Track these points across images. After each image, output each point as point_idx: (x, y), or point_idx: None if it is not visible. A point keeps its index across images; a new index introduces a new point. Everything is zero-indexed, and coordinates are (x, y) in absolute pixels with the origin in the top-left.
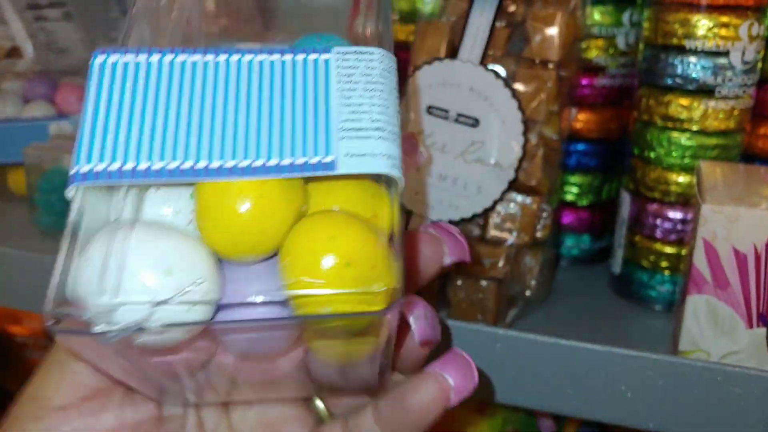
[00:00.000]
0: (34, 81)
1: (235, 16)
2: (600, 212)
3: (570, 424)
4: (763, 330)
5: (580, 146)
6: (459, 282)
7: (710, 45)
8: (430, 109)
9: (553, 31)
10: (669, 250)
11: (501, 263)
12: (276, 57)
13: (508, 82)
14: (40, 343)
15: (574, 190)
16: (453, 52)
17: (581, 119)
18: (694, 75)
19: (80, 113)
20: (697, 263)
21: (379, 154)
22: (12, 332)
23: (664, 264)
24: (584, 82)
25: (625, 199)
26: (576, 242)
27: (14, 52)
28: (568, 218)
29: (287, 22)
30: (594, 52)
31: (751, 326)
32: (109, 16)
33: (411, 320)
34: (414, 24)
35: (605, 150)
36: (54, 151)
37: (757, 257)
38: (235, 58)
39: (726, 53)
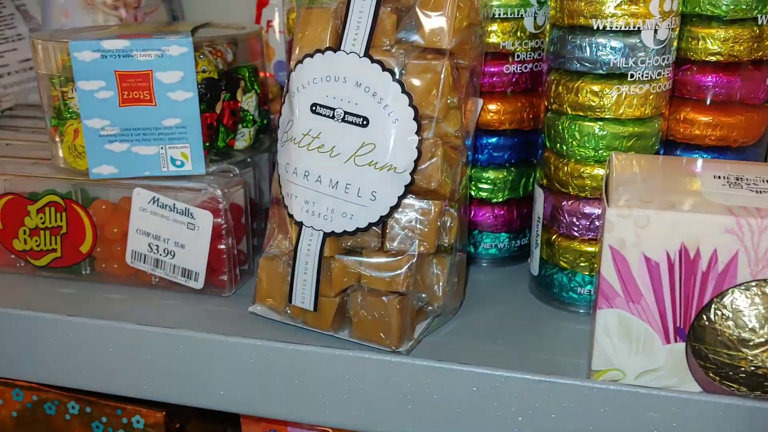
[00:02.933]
0: None
1: (134, 5)
2: (517, 208)
3: None
4: (681, 345)
5: (492, 139)
6: (360, 298)
7: (620, 23)
8: (314, 108)
9: (443, 16)
10: (588, 248)
11: (403, 276)
12: None
13: (397, 76)
14: None
15: (488, 186)
16: (338, 43)
17: (491, 110)
18: (604, 58)
19: None
20: (606, 274)
21: None
22: None
23: (583, 264)
24: (492, 69)
25: (539, 195)
26: (493, 241)
27: None
28: (483, 216)
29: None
30: (500, 37)
31: (668, 341)
32: (2, 12)
33: None
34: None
35: (519, 142)
36: None
37: (671, 265)
38: None
39: (637, 32)
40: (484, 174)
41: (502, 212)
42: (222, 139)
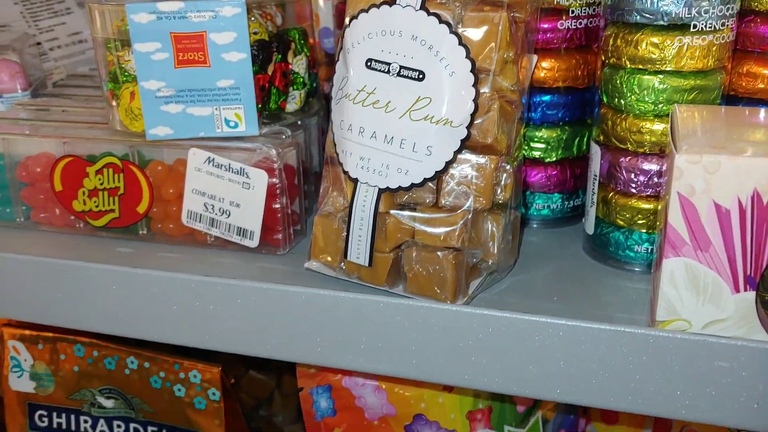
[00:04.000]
0: None
1: None
2: (570, 168)
3: (547, 403)
4: (751, 294)
5: (546, 97)
6: (414, 253)
7: None
8: (369, 63)
9: None
10: (646, 205)
11: (458, 231)
12: None
13: (454, 28)
14: None
15: (541, 145)
16: None
17: (545, 67)
18: (665, 8)
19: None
20: (673, 222)
21: None
22: None
23: (640, 221)
24: (545, 25)
25: (596, 152)
26: (546, 202)
27: None
28: (535, 176)
29: None
30: None
31: (737, 291)
32: None
33: None
34: None
35: (574, 100)
36: None
37: (742, 212)
38: None
39: None
40: (537, 133)
41: (555, 172)
42: (274, 101)
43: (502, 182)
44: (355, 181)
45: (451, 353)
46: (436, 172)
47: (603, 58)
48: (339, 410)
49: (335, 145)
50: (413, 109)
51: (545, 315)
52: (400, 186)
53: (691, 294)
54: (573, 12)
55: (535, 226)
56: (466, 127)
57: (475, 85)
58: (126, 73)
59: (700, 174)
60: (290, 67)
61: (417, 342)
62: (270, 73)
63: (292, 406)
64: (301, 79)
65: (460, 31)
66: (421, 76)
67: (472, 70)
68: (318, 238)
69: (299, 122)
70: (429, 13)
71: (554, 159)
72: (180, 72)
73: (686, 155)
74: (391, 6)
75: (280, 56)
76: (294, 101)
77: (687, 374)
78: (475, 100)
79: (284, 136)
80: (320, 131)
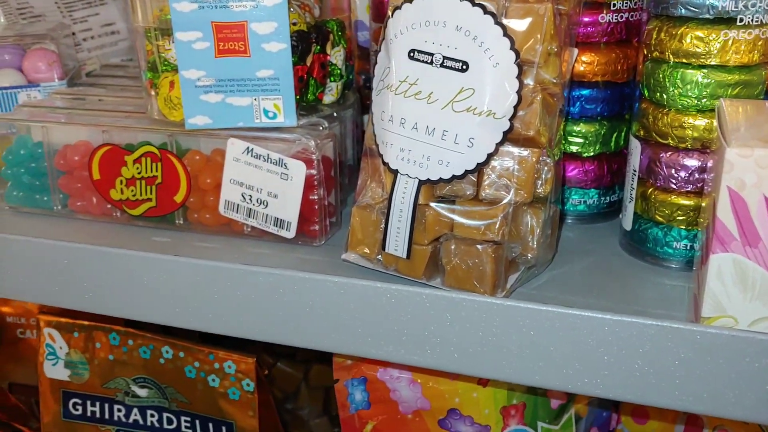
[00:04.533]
0: (2, 48)
1: None
2: (608, 163)
3: (581, 399)
4: None
5: (585, 91)
6: (453, 246)
7: None
8: (412, 54)
9: None
10: (686, 201)
11: (498, 224)
12: None
13: (498, 19)
14: (31, 323)
15: (579, 140)
16: None
17: (585, 61)
18: (711, 1)
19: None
20: (722, 216)
21: None
22: (1, 312)
23: (680, 217)
24: (586, 19)
25: (636, 147)
26: (582, 197)
27: None
28: (572, 171)
29: None
30: None
31: None
32: None
33: None
34: None
35: (613, 95)
36: (21, 120)
37: None
38: None
39: None
40: (575, 127)
41: (593, 167)
42: (312, 92)
43: (543, 176)
44: (395, 172)
45: (492, 347)
46: (478, 164)
47: (645, 52)
48: (373, 403)
49: (375, 136)
50: (456, 101)
51: (588, 309)
52: (440, 178)
53: (739, 290)
54: (614, 5)
55: (570, 221)
56: (509, 119)
57: (519, 76)
58: (166, 63)
59: (751, 168)
60: (328, 58)
61: (458, 335)
62: (309, 64)
63: (319, 399)
64: (339, 71)
65: (504, 22)
66: (464, 67)
67: (516, 62)
68: (356, 229)
69: (335, 114)
70: (474, 4)
71: (592, 154)
72: (220, 61)
73: (737, 149)
74: None
75: (318, 47)
76: (331, 93)
77: (734, 371)
78: (518, 92)
79: (321, 128)
80: (354, 124)
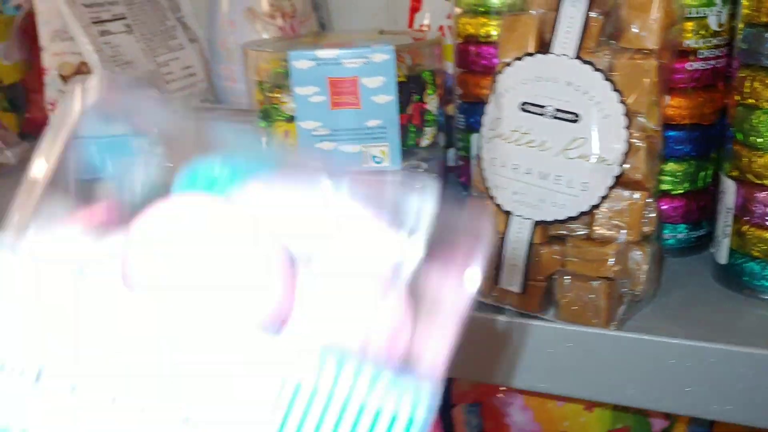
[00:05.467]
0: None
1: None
2: (696, 200)
3: (680, 422)
4: None
5: (673, 133)
6: (566, 282)
7: None
8: (524, 106)
9: (652, 17)
10: None
11: (611, 262)
12: None
13: (607, 75)
14: None
15: (669, 178)
16: (543, 46)
17: (674, 105)
18: None
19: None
20: None
21: None
22: None
23: None
24: (676, 66)
25: (729, 186)
26: (672, 232)
27: (83, 68)
28: (663, 207)
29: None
30: (686, 35)
31: None
32: (166, 24)
33: None
34: (482, 16)
35: (699, 136)
36: None
37: None
38: None
39: None
40: (665, 167)
41: (681, 204)
42: (412, 138)
43: (649, 215)
44: (508, 213)
45: (605, 373)
46: (591, 206)
47: (738, 98)
48: (488, 428)
49: (485, 179)
50: (568, 148)
51: (693, 339)
52: (555, 219)
53: None
54: (701, 54)
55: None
56: (619, 165)
57: (627, 127)
58: (280, 112)
59: None
60: (426, 106)
61: (576, 363)
62: (410, 112)
63: None
64: (433, 117)
65: (612, 77)
66: (576, 118)
67: (624, 113)
68: None
69: (429, 156)
70: (583, 62)
71: (681, 191)
72: (334, 113)
73: None
74: (545, 55)
75: (418, 97)
76: (426, 137)
77: None
78: (627, 141)
79: (421, 169)
80: (442, 166)
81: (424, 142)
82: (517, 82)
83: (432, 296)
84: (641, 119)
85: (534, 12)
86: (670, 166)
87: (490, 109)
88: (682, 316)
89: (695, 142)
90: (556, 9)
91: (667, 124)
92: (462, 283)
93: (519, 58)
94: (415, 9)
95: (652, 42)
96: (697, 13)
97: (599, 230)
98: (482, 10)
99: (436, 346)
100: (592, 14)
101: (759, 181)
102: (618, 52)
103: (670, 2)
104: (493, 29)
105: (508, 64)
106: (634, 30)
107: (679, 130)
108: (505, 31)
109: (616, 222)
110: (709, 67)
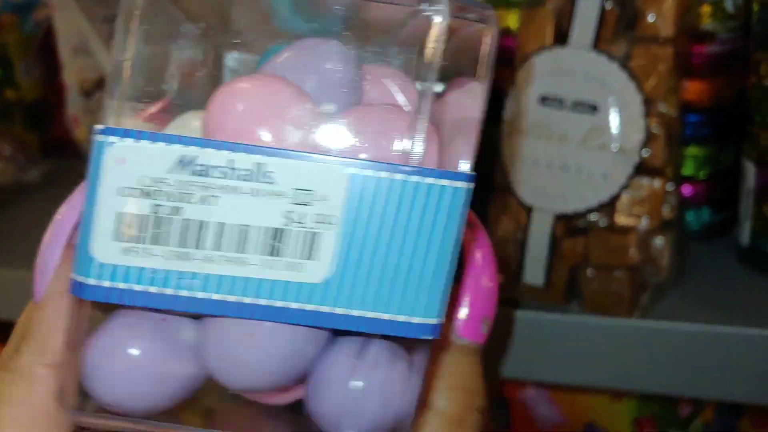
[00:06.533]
0: None
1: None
2: (719, 183)
3: (707, 408)
4: None
5: (693, 117)
6: (589, 273)
7: None
8: (543, 99)
9: (667, 5)
10: None
11: (633, 250)
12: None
13: (624, 64)
14: None
15: (692, 162)
16: (560, 38)
17: (692, 90)
18: None
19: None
20: None
21: None
22: None
23: None
24: (694, 50)
25: (749, 168)
26: (696, 216)
27: (102, 82)
28: (686, 192)
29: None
30: (703, 19)
31: None
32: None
33: None
34: (503, 8)
35: (719, 119)
36: None
37: None
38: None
39: None
40: (687, 151)
41: (705, 187)
42: None
43: (670, 202)
44: (529, 207)
45: (632, 362)
46: (611, 196)
47: (754, 80)
48: (515, 423)
49: (505, 174)
50: (587, 139)
51: (719, 324)
52: (576, 211)
53: None
54: (719, 37)
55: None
56: (638, 154)
57: (645, 116)
58: None
59: None
60: None
61: (602, 353)
62: None
63: None
64: None
65: (629, 66)
66: (594, 109)
67: (643, 102)
68: None
69: None
70: (600, 52)
71: (702, 175)
72: None
73: None
74: (562, 48)
75: None
76: None
77: None
78: (646, 129)
79: None
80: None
81: None
82: (535, 75)
83: (450, 115)
84: (659, 107)
85: (551, 5)
86: (692, 150)
87: (508, 104)
88: (707, 301)
89: (716, 125)
90: (573, 1)
91: (688, 109)
92: (474, 96)
93: (537, 52)
94: None
95: (667, 29)
96: None
97: (620, 219)
98: (500, 3)
99: (464, 149)
100: (608, 4)
101: None
102: (634, 42)
103: None
104: (511, 23)
105: (526, 58)
106: (650, 18)
107: (699, 114)
108: (523, 25)
109: (637, 210)
110: (726, 50)
